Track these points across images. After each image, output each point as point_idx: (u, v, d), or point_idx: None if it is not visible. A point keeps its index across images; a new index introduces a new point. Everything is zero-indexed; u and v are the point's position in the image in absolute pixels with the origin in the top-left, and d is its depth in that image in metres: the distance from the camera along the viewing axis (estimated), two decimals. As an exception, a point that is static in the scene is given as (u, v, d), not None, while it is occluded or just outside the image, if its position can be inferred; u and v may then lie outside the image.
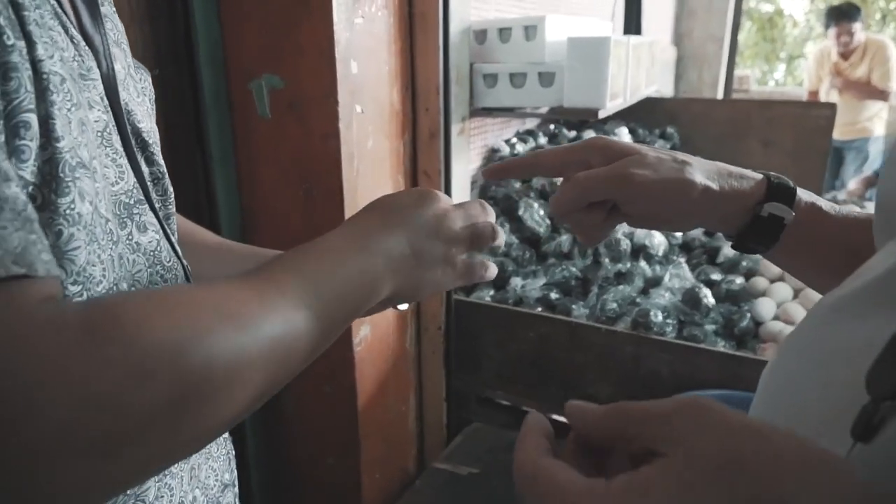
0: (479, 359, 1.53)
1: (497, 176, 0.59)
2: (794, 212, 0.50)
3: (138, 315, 0.31)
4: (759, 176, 0.51)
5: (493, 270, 0.57)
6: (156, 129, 0.53)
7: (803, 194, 0.51)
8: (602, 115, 1.49)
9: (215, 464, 0.55)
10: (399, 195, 0.54)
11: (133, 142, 0.47)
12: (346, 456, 1.38)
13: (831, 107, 1.97)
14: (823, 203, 0.51)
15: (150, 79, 0.56)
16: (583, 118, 1.81)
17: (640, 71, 1.76)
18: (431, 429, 1.61)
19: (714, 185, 0.49)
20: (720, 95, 3.75)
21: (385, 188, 1.31)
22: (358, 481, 1.38)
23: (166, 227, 0.50)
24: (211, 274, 0.61)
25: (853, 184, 3.74)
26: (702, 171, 0.50)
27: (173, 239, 0.52)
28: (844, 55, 3.98)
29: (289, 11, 1.12)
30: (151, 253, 0.46)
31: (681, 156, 0.51)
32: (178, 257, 0.51)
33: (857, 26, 3.90)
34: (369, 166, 1.26)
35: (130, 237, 0.44)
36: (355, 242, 0.47)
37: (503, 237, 0.58)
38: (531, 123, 2.03)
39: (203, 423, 0.33)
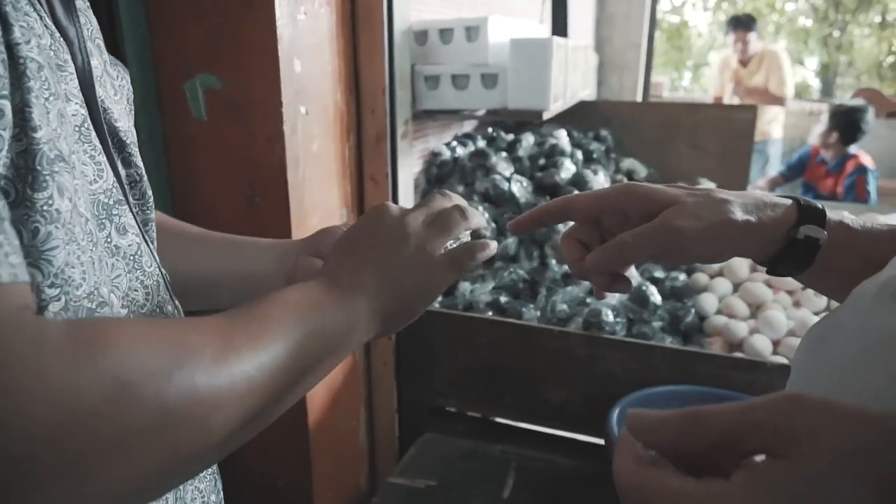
0: (431, 368, 1.49)
1: (526, 229, 0.56)
2: (825, 232, 0.50)
3: (123, 336, 0.31)
4: (789, 201, 0.52)
5: (490, 249, 0.55)
6: (133, 129, 0.49)
7: (831, 214, 0.51)
8: (546, 116, 1.49)
9: (201, 485, 0.52)
10: (352, 228, 0.53)
11: (110, 141, 0.43)
12: (298, 477, 1.30)
13: (752, 109, 2.06)
14: (849, 219, 0.52)
15: (128, 77, 0.52)
16: (527, 120, 1.81)
17: (577, 74, 1.78)
18: (383, 442, 1.56)
19: (753, 219, 0.49)
20: (639, 100, 3.89)
21: (332, 193, 1.25)
22: (310, 503, 1.31)
23: (145, 231, 0.46)
24: (197, 266, 0.61)
25: (762, 183, 3.98)
26: (741, 207, 0.50)
27: (152, 246, 0.48)
28: (743, 62, 4.27)
29: (226, 6, 1.05)
30: (131, 257, 0.43)
31: (717, 193, 0.51)
32: (158, 265, 0.47)
33: (752, 35, 4.21)
34: (315, 171, 1.19)
35: (109, 239, 0.41)
36: (331, 282, 0.47)
37: (478, 216, 0.55)
38: (469, 126, 2.02)
39: (179, 452, 0.33)
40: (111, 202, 0.41)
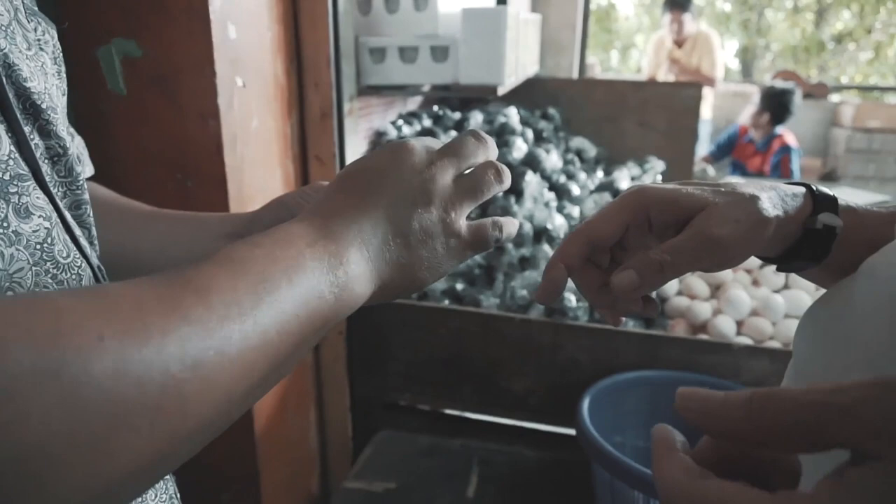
0: (386, 361, 1.40)
1: (560, 290, 0.45)
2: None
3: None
4: (802, 189, 0.46)
5: (512, 227, 0.45)
6: (58, 93, 0.40)
7: (840, 200, 0.46)
8: (501, 91, 1.41)
9: None
10: (368, 159, 0.42)
11: (16, 104, 0.34)
12: (245, 488, 1.19)
13: (698, 87, 2.06)
14: (853, 203, 0.47)
15: (53, 32, 0.42)
16: (480, 95, 1.72)
17: (528, 49, 1.70)
18: (335, 443, 1.46)
19: (782, 213, 0.44)
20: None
21: (274, 175, 1.13)
22: (259, 516, 1.20)
23: (66, 214, 0.37)
24: (146, 245, 0.53)
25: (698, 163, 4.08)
26: (769, 202, 0.43)
27: (78, 232, 0.38)
28: (678, 43, 4.35)
29: (146, -40, 0.91)
30: (38, 246, 0.34)
31: (743, 189, 0.44)
32: (84, 255, 0.38)
33: (687, 16, 4.30)
34: (255, 151, 1.07)
35: (6, 224, 0.32)
36: (317, 229, 0.36)
37: (509, 176, 0.45)
38: (414, 105, 1.91)
39: (92, 469, 0.24)
40: (7, 178, 0.32)
